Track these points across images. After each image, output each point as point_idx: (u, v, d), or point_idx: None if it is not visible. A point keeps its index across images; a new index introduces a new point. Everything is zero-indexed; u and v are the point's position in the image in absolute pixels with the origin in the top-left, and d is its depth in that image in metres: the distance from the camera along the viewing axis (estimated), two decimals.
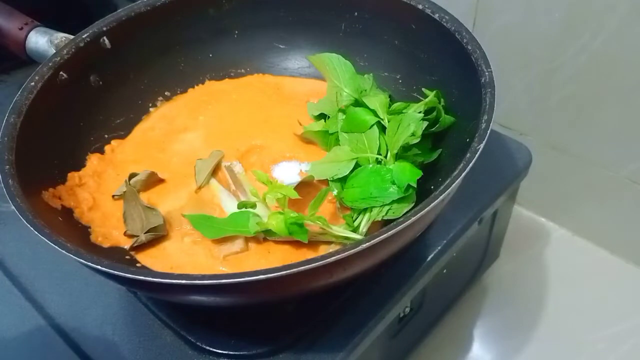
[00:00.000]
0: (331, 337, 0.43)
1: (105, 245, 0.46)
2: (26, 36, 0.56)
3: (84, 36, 0.53)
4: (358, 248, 0.34)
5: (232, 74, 0.61)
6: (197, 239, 0.47)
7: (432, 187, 0.47)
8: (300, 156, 0.53)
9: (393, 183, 0.46)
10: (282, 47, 0.61)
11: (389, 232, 0.35)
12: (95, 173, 0.52)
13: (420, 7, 0.51)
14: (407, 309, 0.52)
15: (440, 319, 0.64)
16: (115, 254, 0.46)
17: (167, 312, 0.46)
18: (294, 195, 0.46)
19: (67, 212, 0.47)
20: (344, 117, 0.52)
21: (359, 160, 0.49)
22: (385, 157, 0.48)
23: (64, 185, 0.49)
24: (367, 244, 0.35)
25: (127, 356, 0.44)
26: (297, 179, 0.50)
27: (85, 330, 0.46)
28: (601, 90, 0.61)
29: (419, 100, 0.50)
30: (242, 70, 0.62)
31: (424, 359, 0.63)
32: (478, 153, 0.39)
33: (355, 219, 0.46)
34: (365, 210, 0.46)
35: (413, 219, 0.36)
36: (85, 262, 0.36)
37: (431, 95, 0.50)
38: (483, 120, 0.41)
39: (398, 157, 0.48)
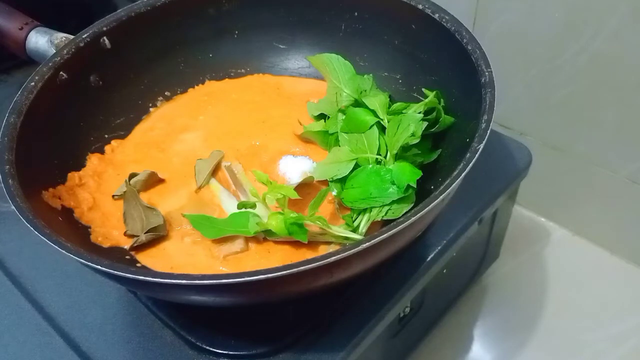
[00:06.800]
0: (331, 337, 0.43)
1: (105, 245, 0.46)
2: (26, 36, 0.56)
3: (84, 36, 0.53)
4: (358, 248, 0.34)
5: (232, 74, 0.61)
6: (197, 239, 0.47)
7: (432, 187, 0.47)
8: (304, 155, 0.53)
9: (393, 183, 0.46)
10: (282, 47, 0.61)
11: (389, 232, 0.35)
12: (96, 173, 0.52)
13: (420, 7, 0.51)
14: (407, 309, 0.52)
15: (440, 319, 0.64)
16: (115, 254, 0.46)
17: (167, 312, 0.46)
18: (294, 195, 0.46)
19: (67, 212, 0.47)
20: (343, 117, 0.52)
21: (359, 160, 0.49)
22: (385, 157, 0.48)
23: (64, 185, 0.49)
24: (367, 244, 0.35)
25: (127, 356, 0.44)
26: (300, 176, 0.50)
27: (85, 330, 0.46)
28: (601, 90, 0.61)
29: (419, 101, 0.50)
30: (242, 70, 0.62)
31: (424, 359, 0.63)
32: (478, 153, 0.39)
33: (355, 219, 0.46)
34: (364, 210, 0.46)
35: (413, 219, 0.36)
36: (85, 262, 0.36)
37: (431, 95, 0.50)
38: (483, 120, 0.41)
39: (398, 157, 0.48)
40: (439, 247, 0.49)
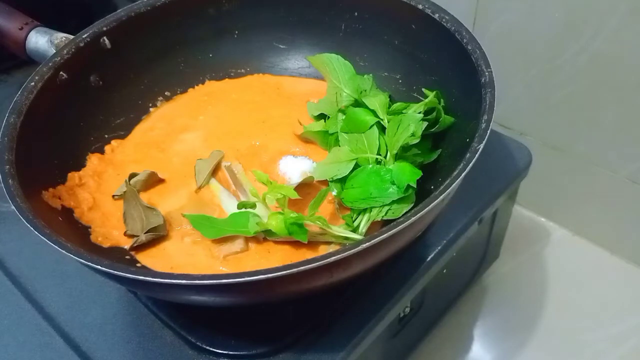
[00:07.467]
0: (331, 337, 0.43)
1: (105, 245, 0.46)
2: (26, 36, 0.56)
3: (84, 36, 0.53)
4: (358, 248, 0.34)
5: (232, 74, 0.61)
6: (197, 239, 0.47)
7: (432, 187, 0.47)
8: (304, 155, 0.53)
9: (393, 183, 0.46)
10: (282, 47, 0.61)
11: (389, 232, 0.35)
12: (96, 173, 0.52)
13: (420, 7, 0.51)
14: (407, 309, 0.52)
15: (440, 319, 0.64)
16: (115, 254, 0.46)
17: (167, 312, 0.46)
18: (294, 195, 0.46)
19: (67, 212, 0.47)
20: (343, 117, 0.52)
21: (359, 160, 0.49)
22: (385, 157, 0.48)
23: (64, 185, 0.49)
24: (367, 244, 0.35)
25: (127, 356, 0.44)
26: (300, 176, 0.50)
27: (85, 330, 0.46)
28: (601, 90, 0.61)
29: (419, 101, 0.50)
30: (242, 70, 0.62)
31: (424, 359, 0.63)
32: (478, 153, 0.39)
33: (355, 219, 0.46)
34: (364, 210, 0.46)
35: (413, 219, 0.36)
36: (85, 262, 0.36)
37: (431, 95, 0.50)
38: (483, 120, 0.41)
39: (398, 157, 0.48)
40: (439, 247, 0.49)
